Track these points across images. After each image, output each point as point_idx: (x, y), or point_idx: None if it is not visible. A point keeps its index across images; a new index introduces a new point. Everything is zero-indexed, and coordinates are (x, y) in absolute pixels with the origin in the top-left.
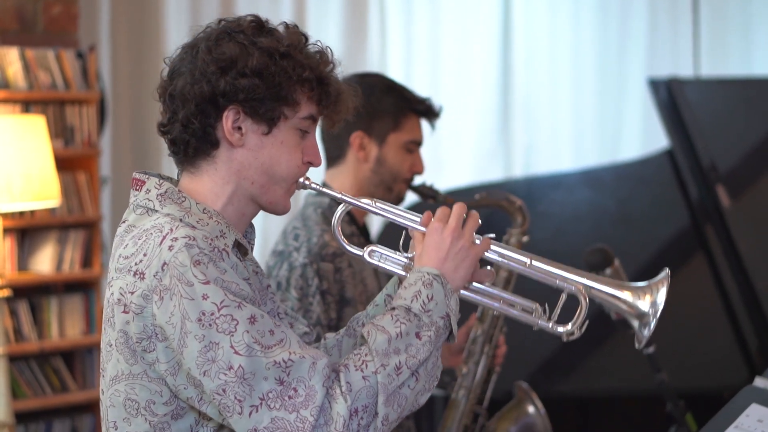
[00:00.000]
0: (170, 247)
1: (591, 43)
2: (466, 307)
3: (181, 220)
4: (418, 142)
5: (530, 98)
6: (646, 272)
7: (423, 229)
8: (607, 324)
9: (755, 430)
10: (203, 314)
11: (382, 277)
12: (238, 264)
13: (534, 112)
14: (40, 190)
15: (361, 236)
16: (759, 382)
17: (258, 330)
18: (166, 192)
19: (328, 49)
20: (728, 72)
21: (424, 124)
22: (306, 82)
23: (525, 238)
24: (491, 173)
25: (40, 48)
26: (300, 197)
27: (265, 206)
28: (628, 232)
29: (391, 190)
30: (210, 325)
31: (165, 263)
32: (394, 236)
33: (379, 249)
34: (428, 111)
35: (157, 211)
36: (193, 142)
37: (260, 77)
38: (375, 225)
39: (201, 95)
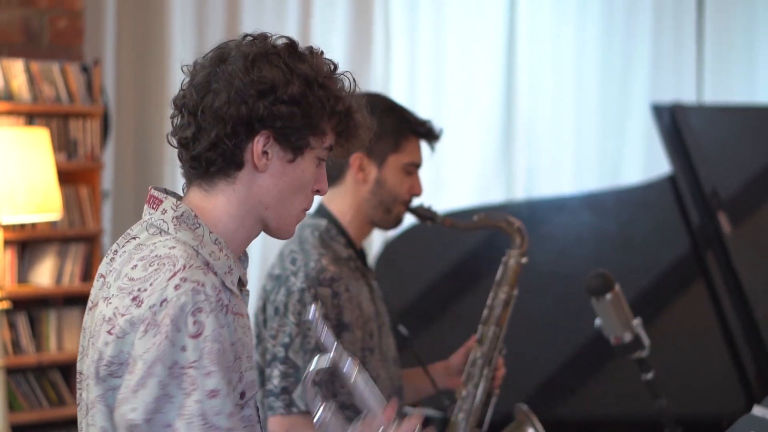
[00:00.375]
0: (177, 287)
1: (594, 67)
2: (465, 329)
3: (195, 251)
4: (417, 165)
5: (533, 121)
6: (647, 297)
7: (376, 414)
8: (606, 349)
9: None
10: (175, 363)
11: (378, 301)
12: (231, 323)
13: (536, 135)
14: (42, 202)
15: (359, 260)
16: (757, 410)
17: (213, 406)
18: (182, 215)
19: (352, 78)
20: (731, 98)
21: (424, 146)
22: (336, 114)
23: (524, 260)
24: (492, 195)
25: (45, 61)
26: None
27: (274, 231)
28: (629, 257)
29: (390, 211)
30: (176, 376)
31: (165, 300)
32: (391, 260)
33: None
34: (429, 133)
35: (169, 234)
36: (219, 161)
37: (298, 106)
38: (375, 245)
39: (238, 117)
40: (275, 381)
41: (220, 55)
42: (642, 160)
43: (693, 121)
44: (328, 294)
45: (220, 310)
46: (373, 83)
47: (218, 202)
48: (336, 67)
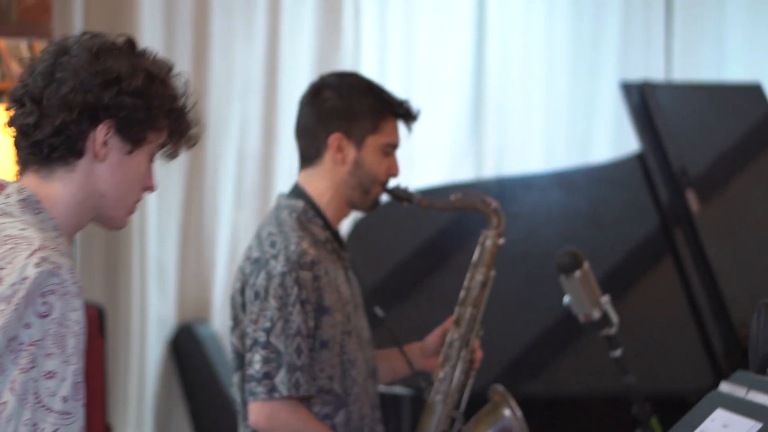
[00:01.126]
0: (36, 264)
1: (564, 46)
2: (443, 310)
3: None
4: (395, 145)
5: (503, 100)
6: (616, 275)
7: None
8: (575, 326)
9: None
10: (15, 338)
11: (353, 283)
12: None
13: (506, 114)
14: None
15: (335, 242)
16: (724, 387)
17: (48, 387)
18: (26, 199)
19: (185, 81)
20: (700, 76)
21: (401, 126)
22: (172, 112)
23: (501, 241)
24: (463, 173)
25: (13, 38)
26: (271, 198)
27: (106, 221)
28: (598, 234)
29: (368, 192)
30: (14, 350)
31: (26, 277)
32: (361, 238)
33: None
34: (407, 114)
35: (15, 216)
36: (61, 148)
37: (141, 98)
38: (344, 224)
39: (84, 104)
40: (256, 366)
41: (61, 49)
42: (611, 138)
43: (662, 99)
44: (309, 277)
45: (76, 294)
46: (343, 62)
47: (55, 189)
48: (172, 68)
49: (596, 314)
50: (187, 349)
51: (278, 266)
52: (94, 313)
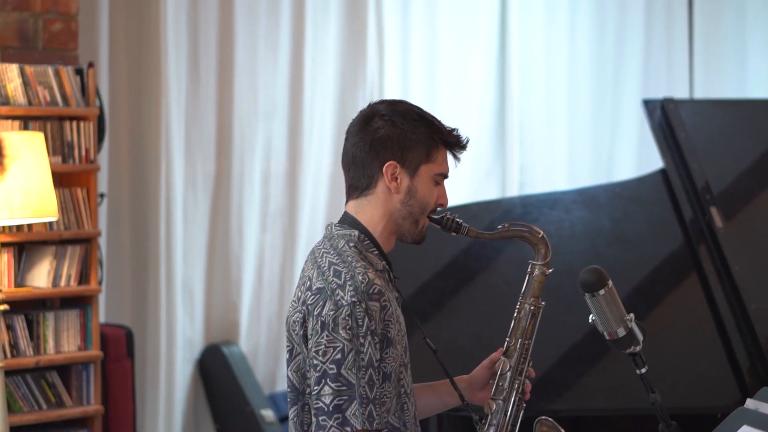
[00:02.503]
0: None
1: (587, 64)
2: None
3: None
4: (445, 175)
5: (526, 118)
6: (640, 292)
7: None
8: (600, 343)
9: None
10: None
11: (407, 314)
12: None
13: (529, 132)
14: (38, 205)
15: (391, 271)
16: (750, 403)
17: None
18: None
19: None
20: (723, 93)
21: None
22: None
23: (549, 270)
24: (487, 192)
25: (39, 65)
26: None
27: None
28: (622, 252)
29: (417, 223)
30: None
31: None
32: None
33: None
34: (457, 143)
35: None
36: None
37: None
38: None
39: None
40: (326, 399)
41: None
42: (635, 156)
43: (684, 116)
44: (377, 308)
45: None
46: (367, 84)
47: None
48: None
49: (622, 332)
50: (214, 369)
51: (347, 296)
52: (123, 335)
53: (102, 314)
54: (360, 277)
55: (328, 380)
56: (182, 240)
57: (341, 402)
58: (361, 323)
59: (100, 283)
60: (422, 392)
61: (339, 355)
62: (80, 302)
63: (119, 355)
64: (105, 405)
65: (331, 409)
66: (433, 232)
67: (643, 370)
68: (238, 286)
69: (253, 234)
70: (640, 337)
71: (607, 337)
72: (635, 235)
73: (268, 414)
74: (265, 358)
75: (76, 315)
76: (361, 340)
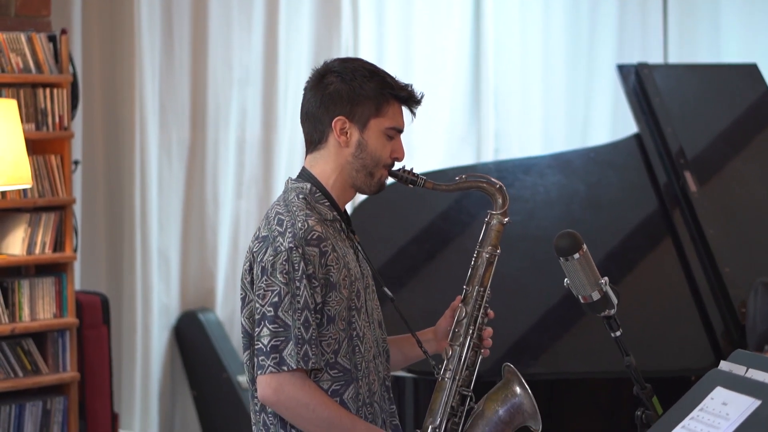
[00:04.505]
0: None
1: (561, 30)
2: (451, 289)
3: None
4: (399, 129)
5: (501, 84)
6: (615, 256)
7: None
8: (575, 307)
9: (720, 413)
10: None
11: (362, 261)
12: None
13: (504, 98)
14: (12, 173)
15: (344, 222)
16: (724, 365)
17: None
18: None
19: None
20: (697, 59)
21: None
22: None
23: (506, 220)
24: (462, 158)
25: (12, 31)
26: (272, 186)
27: None
28: (597, 216)
29: (372, 175)
30: None
31: None
32: (360, 223)
33: None
34: (410, 98)
35: None
36: None
37: None
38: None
39: None
40: (264, 340)
41: None
42: (609, 121)
43: (658, 81)
44: (316, 253)
45: None
46: (341, 50)
47: None
48: None
49: (596, 295)
50: (190, 336)
51: (285, 242)
52: (98, 303)
53: (77, 281)
54: (299, 224)
55: (266, 322)
56: (157, 207)
57: (278, 342)
58: (297, 267)
59: (75, 250)
60: None
61: (276, 298)
62: (55, 269)
63: (95, 322)
64: (81, 372)
65: (268, 349)
66: (408, 197)
67: (618, 334)
68: (214, 253)
69: (229, 201)
70: (615, 300)
71: (582, 301)
72: (610, 200)
73: (244, 380)
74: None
75: (51, 282)
76: (297, 284)
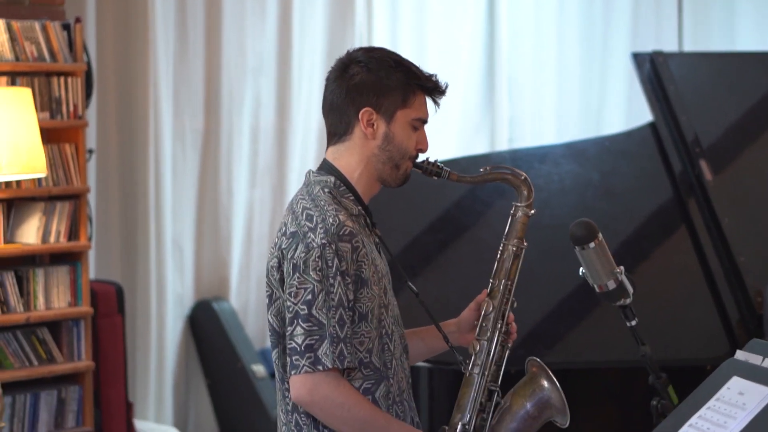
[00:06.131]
0: None
1: (576, 18)
2: (476, 283)
3: None
4: (424, 120)
5: (515, 73)
6: (629, 245)
7: None
8: (590, 296)
9: (736, 403)
10: None
11: (384, 260)
12: None
13: (518, 87)
14: (26, 161)
15: (368, 216)
16: (740, 355)
17: None
18: None
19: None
20: (711, 47)
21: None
22: None
23: (531, 212)
24: (476, 147)
25: (26, 20)
26: (286, 175)
27: None
28: (611, 205)
29: (398, 167)
30: None
31: None
32: (372, 208)
33: None
34: (435, 88)
35: None
36: None
37: None
38: None
39: None
40: (299, 339)
41: None
42: (624, 109)
43: (673, 69)
44: (348, 249)
45: None
46: (356, 36)
47: None
48: None
49: (612, 285)
50: (204, 325)
51: (317, 239)
52: (113, 292)
53: (92, 270)
54: (330, 220)
55: (299, 321)
56: (171, 196)
57: (313, 342)
58: (330, 264)
59: (89, 239)
60: (407, 339)
61: (309, 296)
62: (70, 258)
63: (109, 311)
64: (96, 361)
65: (303, 348)
66: (422, 186)
67: (633, 323)
68: (228, 242)
69: (243, 190)
70: (630, 289)
71: (598, 290)
72: (624, 189)
73: (258, 369)
74: (255, 313)
75: (66, 271)
76: (331, 281)
